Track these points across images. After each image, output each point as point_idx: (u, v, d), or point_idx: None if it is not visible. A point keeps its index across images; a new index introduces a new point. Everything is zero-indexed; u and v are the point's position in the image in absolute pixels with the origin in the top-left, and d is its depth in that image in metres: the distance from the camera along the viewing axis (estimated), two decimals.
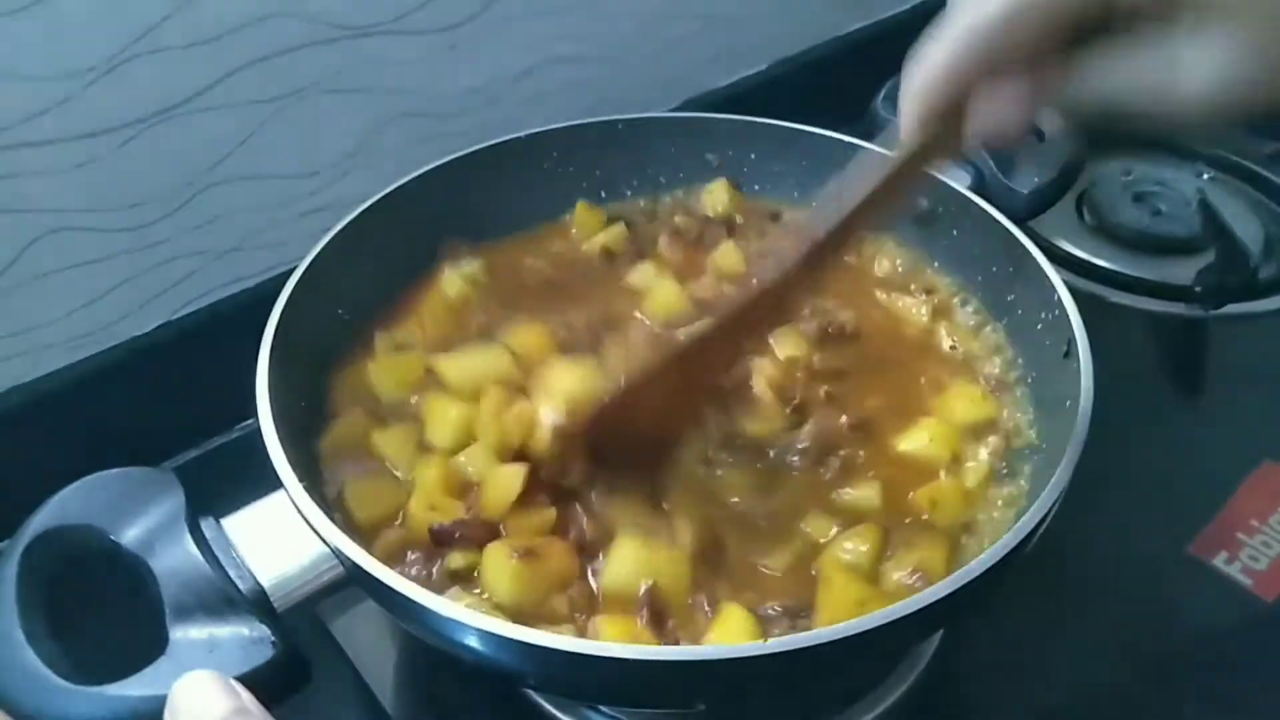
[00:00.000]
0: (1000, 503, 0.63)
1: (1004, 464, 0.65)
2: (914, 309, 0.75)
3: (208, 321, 0.94)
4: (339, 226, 0.72)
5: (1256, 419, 0.89)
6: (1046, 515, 0.52)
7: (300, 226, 0.96)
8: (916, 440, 0.66)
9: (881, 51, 0.90)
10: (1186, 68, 0.43)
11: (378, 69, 0.95)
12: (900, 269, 0.79)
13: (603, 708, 0.65)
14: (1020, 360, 0.71)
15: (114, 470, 0.52)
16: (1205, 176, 1.14)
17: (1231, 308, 0.97)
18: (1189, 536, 0.79)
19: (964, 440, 0.66)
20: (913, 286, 0.77)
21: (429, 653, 0.70)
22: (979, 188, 0.77)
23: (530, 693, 0.66)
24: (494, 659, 0.49)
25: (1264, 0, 0.41)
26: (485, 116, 1.02)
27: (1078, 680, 0.70)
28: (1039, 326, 0.68)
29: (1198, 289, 0.97)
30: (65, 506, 0.50)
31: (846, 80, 1.00)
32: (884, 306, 0.76)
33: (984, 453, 0.65)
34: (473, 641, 0.48)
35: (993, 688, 0.71)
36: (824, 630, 0.46)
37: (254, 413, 0.57)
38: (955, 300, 0.76)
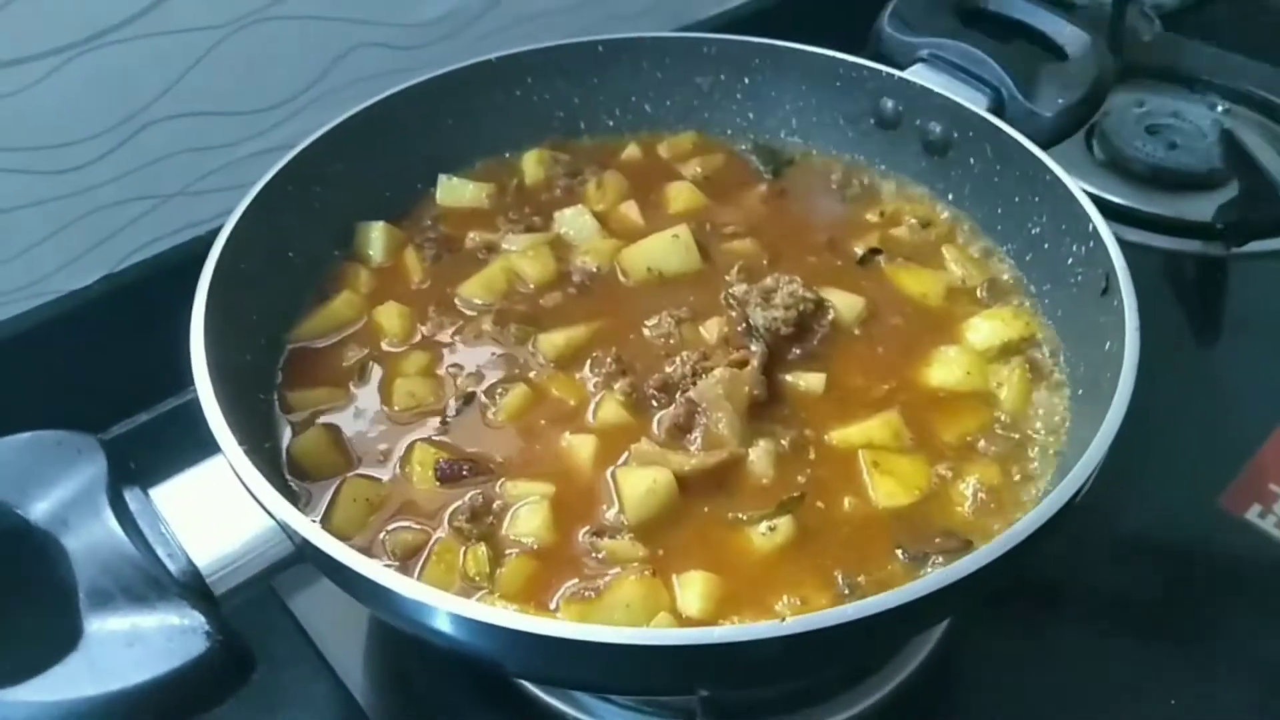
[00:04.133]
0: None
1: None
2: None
3: (154, 274, 0.87)
4: (288, 157, 0.65)
5: None
6: (1075, 496, 0.46)
7: (253, 168, 0.88)
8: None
9: None
10: None
11: None
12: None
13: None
14: (1046, 300, 0.65)
15: (23, 434, 0.45)
16: (1221, 109, 1.08)
17: (1255, 245, 0.91)
18: (1218, 488, 0.73)
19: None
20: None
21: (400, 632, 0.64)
22: (997, 111, 0.69)
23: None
24: (468, 645, 0.42)
25: None
26: (451, 48, 0.94)
27: (1102, 640, 0.65)
28: (1069, 261, 0.62)
29: (1219, 225, 0.91)
30: None
31: (845, 11, 0.93)
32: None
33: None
34: (444, 626, 0.41)
35: (1012, 645, 0.65)
36: (850, 607, 0.40)
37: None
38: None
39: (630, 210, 0.72)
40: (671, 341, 0.61)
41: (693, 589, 0.49)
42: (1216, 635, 0.66)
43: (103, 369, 0.81)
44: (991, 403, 0.59)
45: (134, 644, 0.38)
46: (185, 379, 0.54)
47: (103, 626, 0.39)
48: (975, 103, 0.69)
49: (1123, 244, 0.92)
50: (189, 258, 0.84)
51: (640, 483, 0.53)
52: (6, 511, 0.42)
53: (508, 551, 0.52)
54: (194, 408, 0.49)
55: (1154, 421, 0.74)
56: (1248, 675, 0.64)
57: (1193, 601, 0.68)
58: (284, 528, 0.44)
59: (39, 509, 0.43)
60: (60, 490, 0.43)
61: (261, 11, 0.84)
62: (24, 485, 0.43)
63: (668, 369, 0.59)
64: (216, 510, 0.45)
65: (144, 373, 0.79)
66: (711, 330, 0.62)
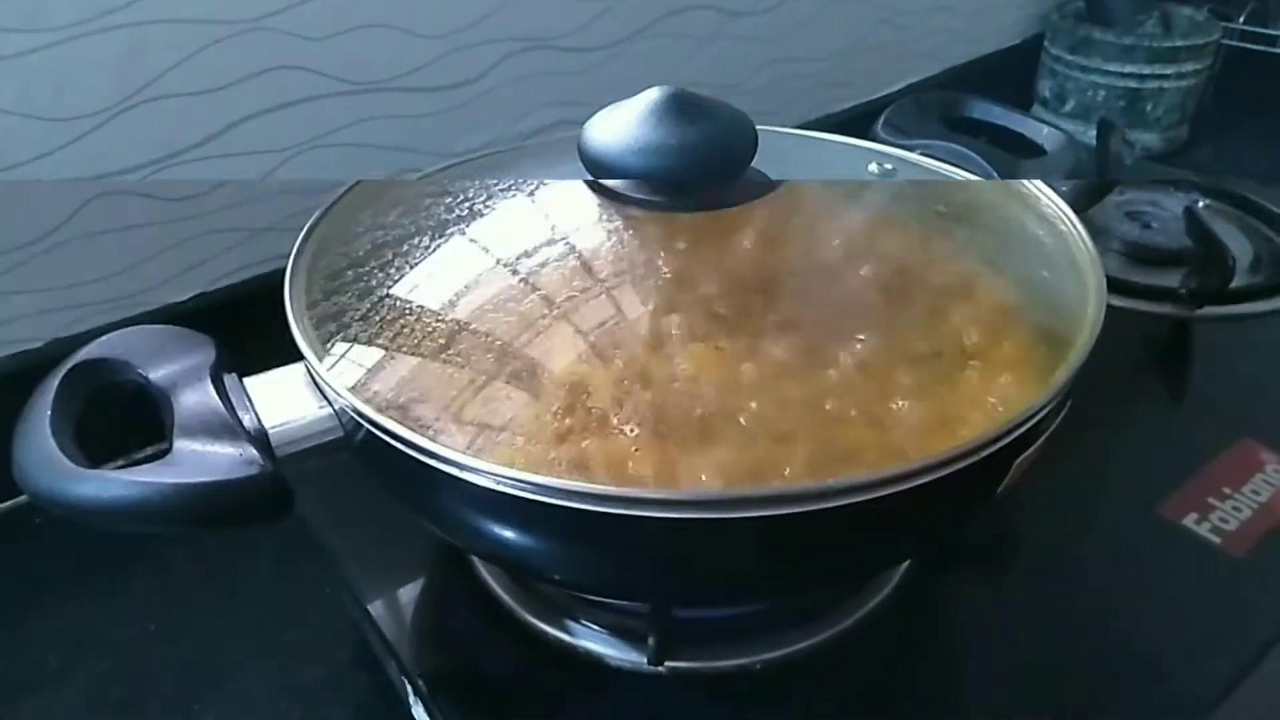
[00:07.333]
0: None
1: None
2: None
3: (240, 296, 0.99)
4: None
5: (1237, 404, 0.91)
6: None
7: None
8: None
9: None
10: None
11: (383, 125, 1.00)
12: None
13: None
14: None
15: (157, 325, 0.58)
16: (1200, 203, 1.19)
17: (1212, 309, 1.00)
18: (1160, 500, 0.79)
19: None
20: None
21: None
22: None
23: None
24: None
25: None
26: None
27: (1043, 641, 0.69)
28: None
29: (1183, 290, 1.01)
30: (110, 343, 0.56)
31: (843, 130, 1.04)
32: None
33: None
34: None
35: (950, 658, 0.69)
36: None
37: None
38: None
39: None
40: None
41: None
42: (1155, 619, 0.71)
43: None
44: None
45: (205, 459, 0.50)
46: None
47: (185, 446, 0.50)
48: None
49: (1108, 308, 1.03)
50: (270, 286, 0.97)
51: None
52: (136, 371, 0.55)
53: None
54: None
55: (1108, 448, 0.83)
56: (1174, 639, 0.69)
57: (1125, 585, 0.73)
58: (340, 415, 0.55)
59: (158, 373, 0.55)
60: (177, 365, 0.55)
61: (318, 140, 0.97)
62: (149, 357, 0.56)
63: None
64: (292, 397, 0.56)
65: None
66: None
